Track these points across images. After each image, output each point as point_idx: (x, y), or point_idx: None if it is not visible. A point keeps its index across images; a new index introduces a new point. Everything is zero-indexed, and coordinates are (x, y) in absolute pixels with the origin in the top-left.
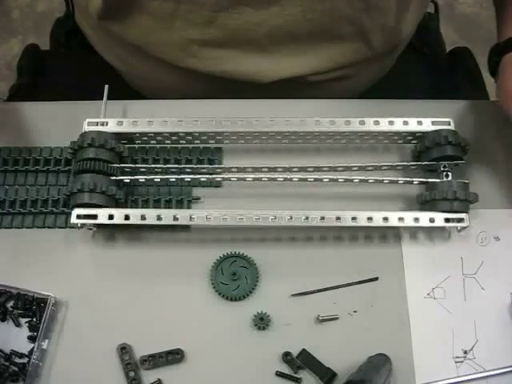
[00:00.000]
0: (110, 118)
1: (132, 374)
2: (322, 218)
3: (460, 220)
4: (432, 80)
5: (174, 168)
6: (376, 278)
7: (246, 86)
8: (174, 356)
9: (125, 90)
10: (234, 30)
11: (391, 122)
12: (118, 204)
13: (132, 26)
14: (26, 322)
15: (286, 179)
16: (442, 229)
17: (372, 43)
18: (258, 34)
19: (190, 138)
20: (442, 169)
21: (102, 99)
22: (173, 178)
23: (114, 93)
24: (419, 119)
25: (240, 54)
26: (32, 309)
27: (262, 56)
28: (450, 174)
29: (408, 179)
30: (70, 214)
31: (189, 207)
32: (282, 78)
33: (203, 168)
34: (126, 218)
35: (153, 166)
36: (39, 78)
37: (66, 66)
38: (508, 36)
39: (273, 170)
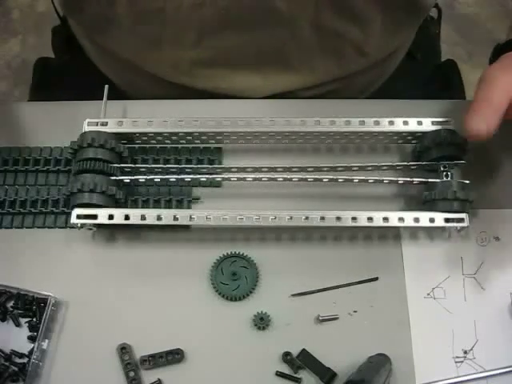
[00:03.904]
0: (109, 118)
1: (132, 373)
2: (322, 218)
3: (460, 220)
4: (414, 86)
5: (174, 168)
6: (376, 278)
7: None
8: (174, 356)
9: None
10: (221, 51)
11: (391, 122)
12: (118, 204)
13: (122, 43)
14: (26, 322)
15: (285, 179)
16: (442, 229)
17: (366, 52)
18: (247, 53)
19: (190, 137)
20: (442, 169)
21: (102, 99)
22: (173, 178)
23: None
24: (419, 119)
25: (230, 71)
26: (32, 309)
27: (252, 73)
28: (449, 174)
29: (408, 179)
30: (69, 213)
31: (189, 207)
32: (274, 93)
33: (203, 168)
34: (126, 218)
35: (153, 165)
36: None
37: (73, 78)
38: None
39: (273, 169)
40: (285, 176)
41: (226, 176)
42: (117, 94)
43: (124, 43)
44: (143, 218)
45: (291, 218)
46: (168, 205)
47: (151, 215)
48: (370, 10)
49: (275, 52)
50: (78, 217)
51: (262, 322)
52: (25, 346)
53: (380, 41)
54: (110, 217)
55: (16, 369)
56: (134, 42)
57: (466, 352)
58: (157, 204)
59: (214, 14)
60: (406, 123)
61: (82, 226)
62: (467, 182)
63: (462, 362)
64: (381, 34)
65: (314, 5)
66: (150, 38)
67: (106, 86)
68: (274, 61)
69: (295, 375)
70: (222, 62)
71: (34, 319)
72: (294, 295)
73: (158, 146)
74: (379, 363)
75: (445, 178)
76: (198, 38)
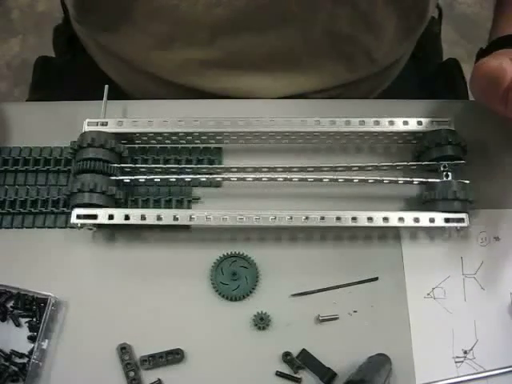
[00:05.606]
0: (109, 118)
1: (132, 373)
2: (322, 218)
3: (460, 220)
4: (416, 86)
5: (174, 168)
6: (376, 278)
7: None
8: (174, 356)
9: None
10: (232, 52)
11: (391, 122)
12: (117, 204)
13: (131, 42)
14: (26, 322)
15: (285, 179)
16: (442, 229)
17: (376, 59)
18: (258, 54)
19: (190, 137)
20: (442, 169)
21: (102, 99)
22: (173, 177)
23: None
24: (419, 119)
25: (240, 72)
26: (32, 309)
27: (262, 75)
28: (449, 174)
29: (408, 179)
30: (69, 213)
31: (189, 207)
32: (283, 96)
33: (203, 168)
34: (126, 218)
35: (153, 166)
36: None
37: (75, 77)
38: (491, 40)
39: (273, 169)
40: (285, 176)
41: (226, 176)
42: (117, 94)
43: (133, 42)
44: (143, 217)
45: (291, 218)
46: (168, 205)
47: (151, 215)
48: (385, 17)
49: (286, 54)
50: (78, 217)
51: (261, 321)
52: (25, 346)
53: (390, 47)
54: (110, 217)
55: (16, 369)
56: (144, 41)
57: (466, 352)
58: (157, 204)
59: (228, 15)
60: (405, 123)
61: (82, 226)
62: (467, 181)
63: (462, 362)
64: (391, 40)
65: (329, 10)
66: (161, 36)
67: (106, 86)
68: (284, 63)
69: (295, 375)
70: (232, 63)
71: (34, 319)
72: (294, 295)
73: (158, 146)
74: (379, 363)
75: (445, 178)
76: (210, 38)
